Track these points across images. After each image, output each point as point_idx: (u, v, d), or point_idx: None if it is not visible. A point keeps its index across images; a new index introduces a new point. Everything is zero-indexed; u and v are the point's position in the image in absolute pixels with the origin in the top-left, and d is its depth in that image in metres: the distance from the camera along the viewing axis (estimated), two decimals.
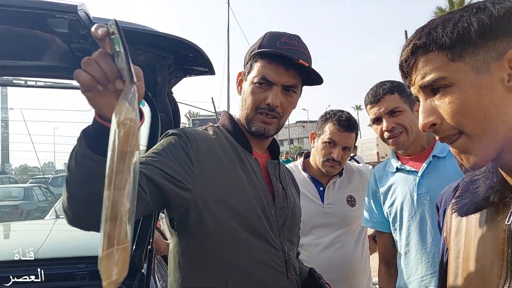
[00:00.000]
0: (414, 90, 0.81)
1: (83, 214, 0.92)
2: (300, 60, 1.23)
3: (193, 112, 50.75)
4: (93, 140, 0.85)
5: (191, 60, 1.39)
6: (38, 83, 1.50)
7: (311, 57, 1.33)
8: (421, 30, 0.78)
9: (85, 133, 0.86)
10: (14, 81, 1.51)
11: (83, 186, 0.88)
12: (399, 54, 0.82)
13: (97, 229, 0.91)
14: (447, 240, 0.93)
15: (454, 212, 0.85)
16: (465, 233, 0.85)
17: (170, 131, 1.24)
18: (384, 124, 1.76)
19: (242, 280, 1.16)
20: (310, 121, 64.91)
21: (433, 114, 0.76)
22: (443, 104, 0.75)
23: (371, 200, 1.96)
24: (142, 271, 1.91)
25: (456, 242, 0.88)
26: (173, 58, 1.40)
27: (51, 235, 2.80)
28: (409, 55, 0.78)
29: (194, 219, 1.15)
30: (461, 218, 0.86)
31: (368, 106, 1.83)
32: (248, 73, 1.32)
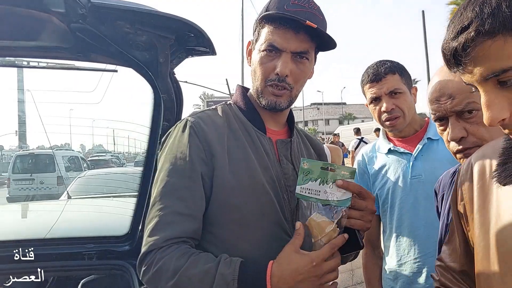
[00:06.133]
0: (470, 78, 0.70)
1: None
2: (307, 22, 1.09)
3: (207, 94, 50.83)
4: None
5: (192, 40, 1.37)
6: (41, 64, 1.50)
7: (325, 19, 1.20)
8: (480, 11, 0.65)
9: (244, 279, 0.98)
10: (17, 62, 1.51)
11: None
12: (448, 39, 0.70)
13: None
14: (464, 215, 0.88)
15: (497, 181, 0.77)
16: (496, 205, 0.78)
17: (174, 131, 1.18)
18: (384, 105, 1.70)
19: None
20: (325, 103, 64.30)
21: (503, 108, 0.67)
22: None
23: (359, 181, 1.89)
24: None
25: (483, 216, 0.81)
26: (174, 38, 1.38)
27: (62, 215, 2.85)
28: (470, 41, 0.65)
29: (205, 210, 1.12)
30: (489, 191, 0.80)
31: (368, 85, 1.76)
32: (256, 41, 1.20)
